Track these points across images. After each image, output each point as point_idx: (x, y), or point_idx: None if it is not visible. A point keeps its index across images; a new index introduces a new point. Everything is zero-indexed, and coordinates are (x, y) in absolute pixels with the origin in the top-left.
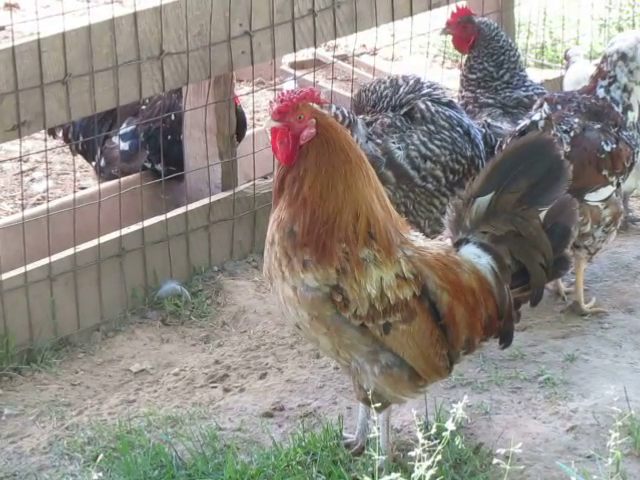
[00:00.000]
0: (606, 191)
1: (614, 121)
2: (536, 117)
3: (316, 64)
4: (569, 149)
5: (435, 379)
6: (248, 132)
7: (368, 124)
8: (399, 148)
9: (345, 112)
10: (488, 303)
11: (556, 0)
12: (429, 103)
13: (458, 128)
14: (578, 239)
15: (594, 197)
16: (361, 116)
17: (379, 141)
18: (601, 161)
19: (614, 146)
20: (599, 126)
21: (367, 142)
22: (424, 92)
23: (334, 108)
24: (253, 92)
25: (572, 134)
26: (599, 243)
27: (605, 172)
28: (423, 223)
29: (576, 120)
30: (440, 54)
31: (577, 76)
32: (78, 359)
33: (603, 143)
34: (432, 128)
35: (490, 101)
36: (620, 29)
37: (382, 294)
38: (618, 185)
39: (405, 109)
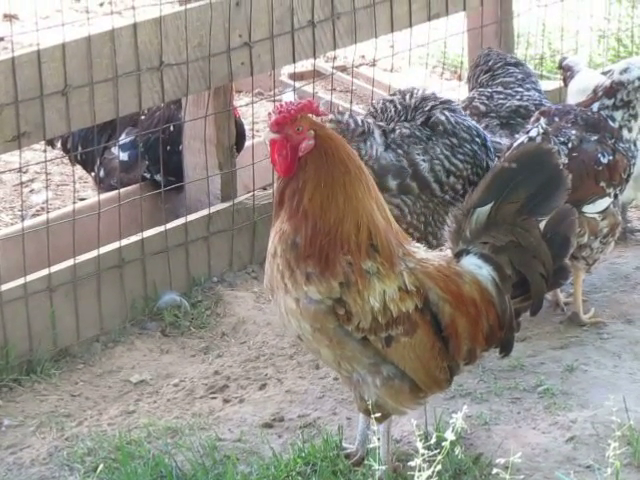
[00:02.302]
0: (604, 202)
1: (611, 133)
2: (533, 133)
3: (315, 75)
4: (567, 161)
5: (435, 391)
6: (247, 143)
7: (386, 133)
8: (424, 160)
9: (358, 120)
10: (490, 314)
11: (555, 11)
12: (448, 113)
13: (477, 139)
14: (576, 250)
15: (591, 209)
16: (380, 123)
17: (400, 151)
18: (598, 173)
19: (611, 158)
20: (596, 138)
21: (386, 150)
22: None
23: (346, 116)
24: (253, 103)
25: (570, 145)
26: (597, 254)
27: (602, 183)
28: (439, 234)
29: (573, 132)
30: (439, 65)
31: (582, 85)
32: (78, 370)
33: (600, 155)
34: (455, 141)
35: None
36: (619, 40)
37: (385, 307)
38: (615, 196)
39: (421, 119)
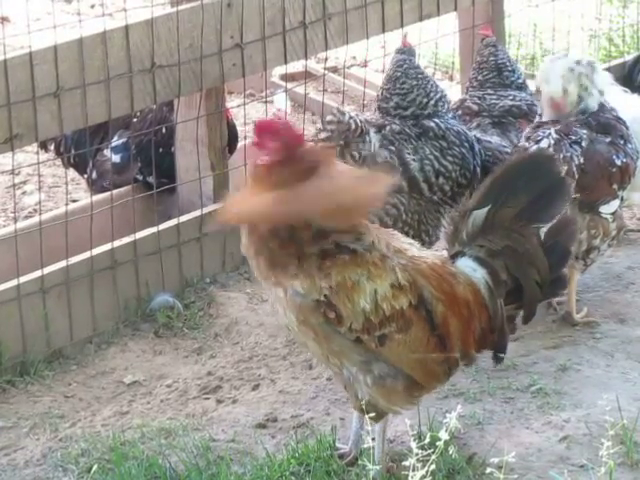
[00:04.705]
0: (615, 204)
1: (621, 134)
2: (544, 144)
3: (307, 76)
4: (582, 161)
5: (434, 385)
6: (239, 144)
7: (379, 129)
8: (414, 160)
9: (357, 120)
10: (482, 316)
11: (546, 11)
12: (437, 120)
13: (465, 143)
14: (584, 252)
15: (607, 210)
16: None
17: (392, 148)
18: (612, 175)
19: (624, 160)
20: (609, 139)
21: (380, 147)
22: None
23: (347, 116)
24: (245, 104)
25: (583, 144)
26: (599, 256)
27: (615, 185)
28: (432, 231)
29: (584, 131)
30: (430, 65)
31: None
32: (71, 371)
33: (614, 157)
34: (444, 144)
35: None
36: (610, 40)
37: (377, 306)
38: (622, 199)
39: (413, 121)
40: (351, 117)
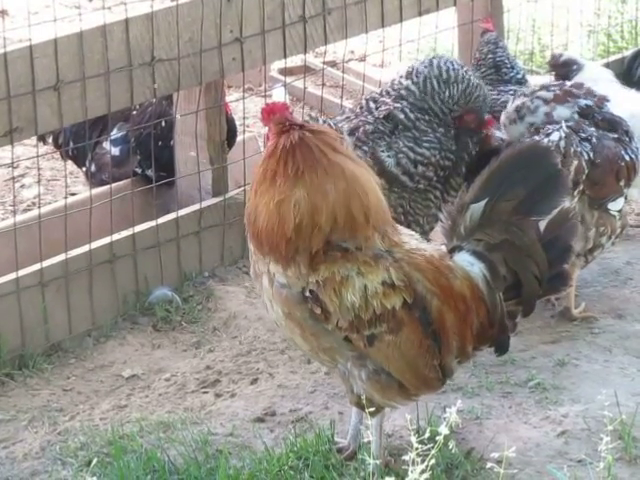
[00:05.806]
0: (621, 201)
1: (626, 129)
2: (554, 137)
3: (305, 70)
4: (593, 155)
5: (424, 392)
6: (238, 138)
7: (352, 132)
8: (389, 156)
9: (332, 124)
10: (479, 310)
11: (545, 7)
12: (407, 111)
13: (440, 129)
14: (588, 251)
15: (614, 207)
16: (345, 125)
17: (365, 148)
18: (620, 169)
19: (632, 156)
20: (616, 136)
21: (354, 149)
22: None
23: (321, 121)
24: (244, 98)
25: (593, 140)
26: (601, 253)
27: (622, 182)
28: (422, 220)
29: (592, 129)
30: None
31: (594, 75)
32: (70, 365)
33: (623, 152)
34: (416, 134)
35: None
36: (608, 36)
37: (367, 303)
38: (626, 197)
39: (384, 113)
40: (324, 122)
